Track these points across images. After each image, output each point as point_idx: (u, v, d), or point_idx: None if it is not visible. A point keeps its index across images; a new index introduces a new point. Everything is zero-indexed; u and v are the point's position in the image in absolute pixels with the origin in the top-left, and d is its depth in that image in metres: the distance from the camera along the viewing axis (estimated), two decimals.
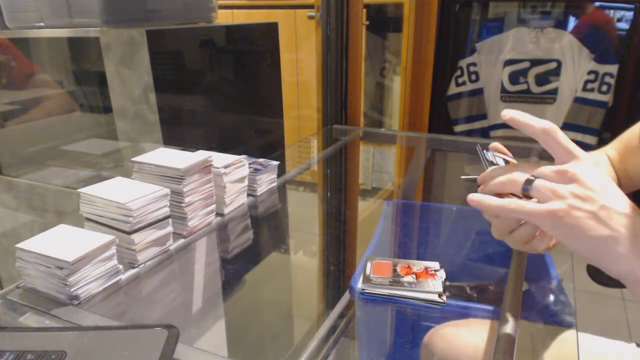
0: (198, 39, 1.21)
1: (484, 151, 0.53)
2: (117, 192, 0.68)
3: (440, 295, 0.62)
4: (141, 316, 0.66)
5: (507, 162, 0.53)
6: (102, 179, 0.73)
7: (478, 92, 2.06)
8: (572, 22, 1.89)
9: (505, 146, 0.56)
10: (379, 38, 2.29)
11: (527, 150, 1.18)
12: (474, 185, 0.51)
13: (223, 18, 2.48)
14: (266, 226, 0.94)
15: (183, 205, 0.74)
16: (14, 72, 1.34)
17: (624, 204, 0.43)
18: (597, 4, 1.84)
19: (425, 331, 0.67)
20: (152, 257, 0.70)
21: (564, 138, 0.47)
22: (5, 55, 1.32)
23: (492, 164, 0.51)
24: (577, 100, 1.90)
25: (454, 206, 1.04)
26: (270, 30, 1.44)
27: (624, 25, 1.82)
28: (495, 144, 0.55)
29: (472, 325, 0.65)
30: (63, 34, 1.20)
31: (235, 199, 0.87)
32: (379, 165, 2.20)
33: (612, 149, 0.68)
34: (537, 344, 0.57)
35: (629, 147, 0.64)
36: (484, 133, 2.11)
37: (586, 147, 1.91)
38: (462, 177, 0.54)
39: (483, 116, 2.09)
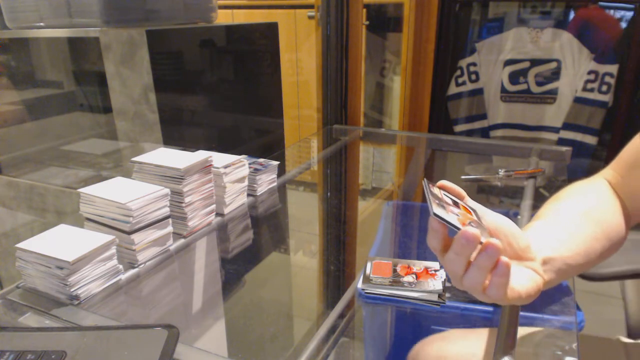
0: (198, 39, 1.21)
1: (430, 186, 0.45)
2: (117, 192, 0.68)
3: (440, 296, 0.61)
4: (141, 316, 0.66)
5: (456, 203, 0.45)
6: (102, 179, 0.73)
7: (478, 92, 2.06)
8: (572, 22, 1.89)
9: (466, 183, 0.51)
10: (379, 38, 2.29)
11: (527, 150, 1.18)
12: (474, 185, 0.50)
13: (223, 18, 2.48)
14: (266, 226, 0.94)
15: (183, 205, 0.74)
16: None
17: None
18: (597, 3, 1.84)
19: (426, 331, 0.67)
20: (152, 257, 0.70)
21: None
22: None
23: (438, 201, 0.43)
24: (577, 100, 1.90)
25: None
26: (270, 30, 1.44)
27: (624, 25, 1.82)
28: (444, 183, 0.47)
29: (456, 340, 0.64)
30: (63, 34, 1.20)
31: (235, 199, 0.87)
32: (379, 165, 2.20)
33: (611, 171, 0.61)
34: (537, 344, 0.57)
35: (633, 166, 0.57)
36: (484, 133, 2.11)
37: (586, 147, 1.92)
38: (462, 177, 0.53)
39: (483, 116, 2.09)
